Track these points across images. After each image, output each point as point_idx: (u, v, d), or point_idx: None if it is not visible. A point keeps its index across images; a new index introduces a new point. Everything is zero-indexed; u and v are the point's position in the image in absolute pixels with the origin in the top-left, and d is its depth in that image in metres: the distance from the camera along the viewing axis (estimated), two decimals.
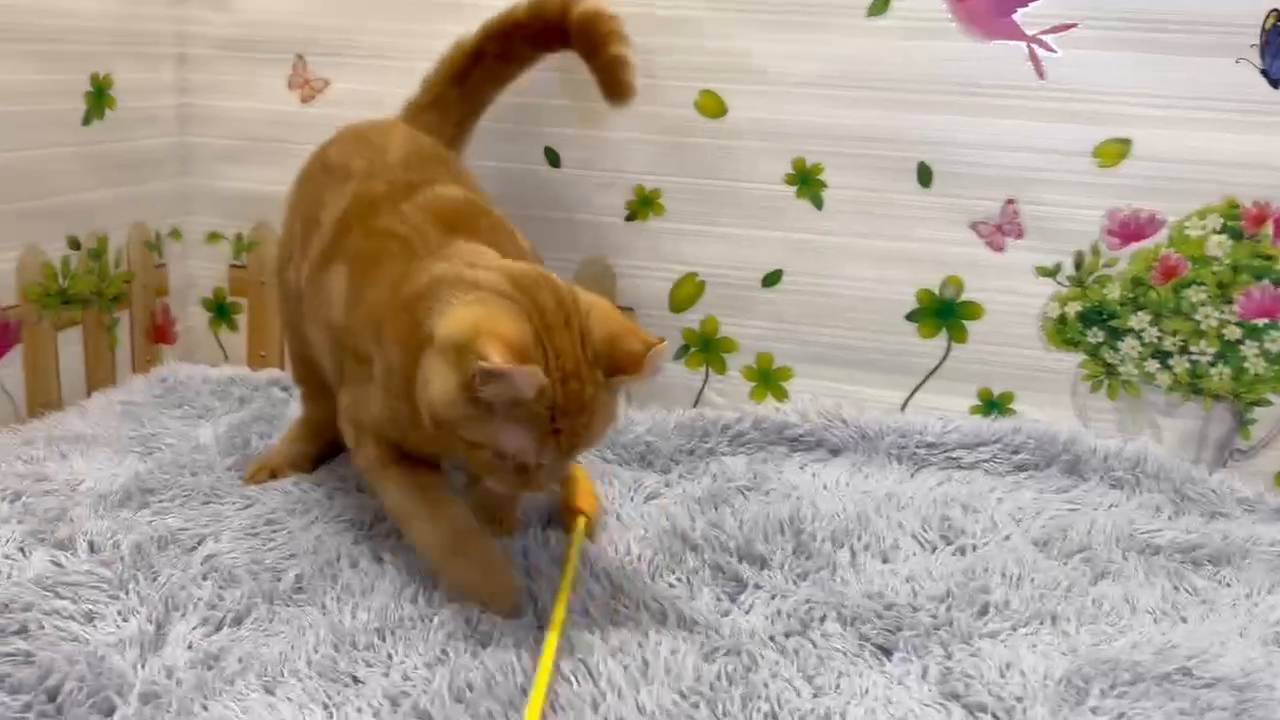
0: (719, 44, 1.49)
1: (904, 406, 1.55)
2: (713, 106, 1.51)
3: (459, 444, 0.96)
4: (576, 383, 0.92)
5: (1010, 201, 1.46)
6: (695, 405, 1.60)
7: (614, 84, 1.34)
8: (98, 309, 1.57)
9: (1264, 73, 1.35)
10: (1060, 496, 1.37)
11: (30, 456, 1.30)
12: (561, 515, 1.23)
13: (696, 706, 0.90)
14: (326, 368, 1.21)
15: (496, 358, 0.86)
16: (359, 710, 0.88)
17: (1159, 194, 1.41)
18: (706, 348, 1.60)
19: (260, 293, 1.74)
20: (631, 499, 1.31)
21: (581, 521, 1.19)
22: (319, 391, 1.30)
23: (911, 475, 1.42)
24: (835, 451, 1.48)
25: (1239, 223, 1.39)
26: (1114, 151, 1.41)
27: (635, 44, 1.46)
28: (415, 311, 0.98)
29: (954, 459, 1.45)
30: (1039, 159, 1.43)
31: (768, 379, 1.59)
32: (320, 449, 1.36)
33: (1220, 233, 1.40)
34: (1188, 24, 1.36)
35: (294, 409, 1.46)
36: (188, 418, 1.49)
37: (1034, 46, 1.41)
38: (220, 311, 1.77)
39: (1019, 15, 1.41)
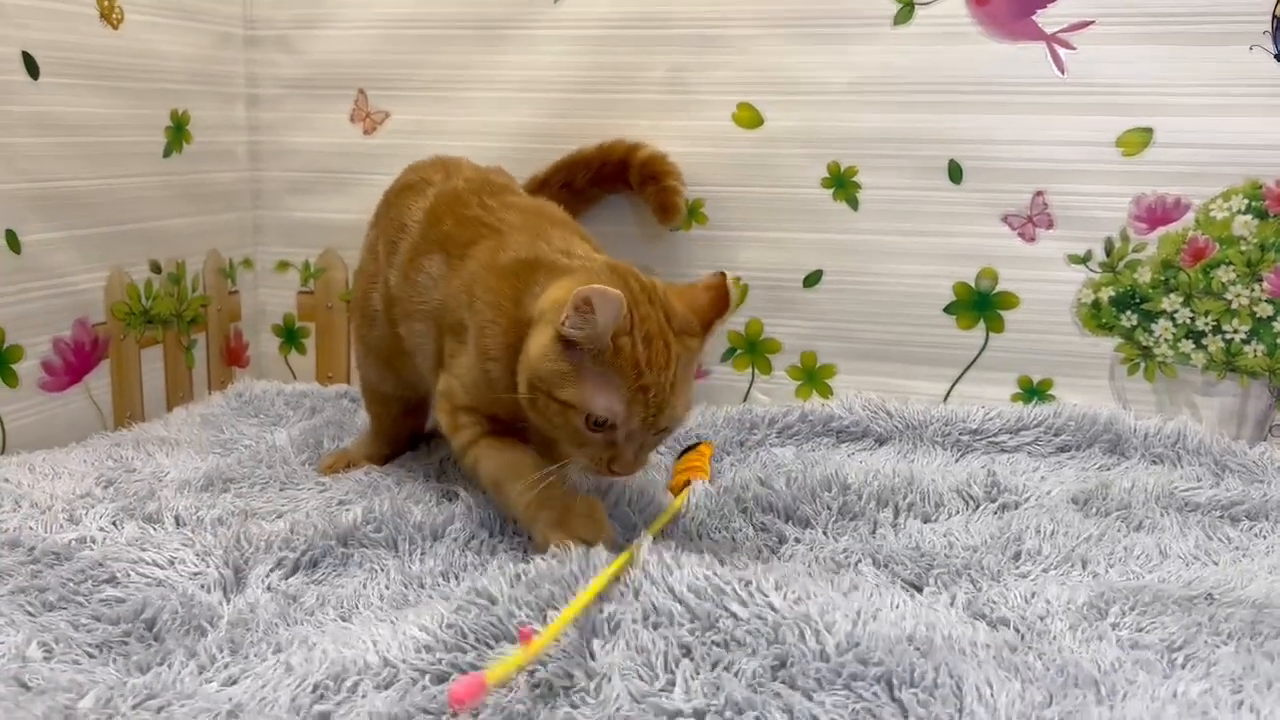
0: (754, 59, 1.58)
1: (946, 398, 1.60)
2: (750, 118, 1.60)
3: (552, 409, 1.02)
4: (661, 342, 1.01)
5: (1039, 193, 1.52)
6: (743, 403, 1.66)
7: (669, 207, 1.58)
8: (177, 330, 1.67)
9: (1277, 57, 1.41)
10: (1102, 474, 1.40)
11: (119, 456, 1.39)
12: (669, 488, 1.31)
13: (723, 592, 0.92)
14: (422, 367, 1.28)
15: (585, 290, 0.94)
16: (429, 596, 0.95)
17: (1183, 179, 1.46)
18: (752, 349, 1.66)
19: (328, 317, 1.84)
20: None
21: (686, 492, 1.26)
22: (388, 411, 1.43)
23: (956, 460, 1.46)
24: (881, 441, 1.52)
25: (1263, 202, 1.44)
26: (1137, 140, 1.47)
27: (677, 63, 1.57)
28: (513, 279, 1.09)
29: (997, 443, 1.49)
30: (1065, 151, 1.49)
31: (812, 377, 1.65)
32: (393, 450, 1.44)
33: (1245, 213, 1.44)
34: (1200, 15, 1.43)
35: (362, 417, 1.53)
36: (263, 424, 1.58)
37: (1054, 45, 1.48)
38: (289, 336, 1.86)
39: (1038, 16, 1.48)
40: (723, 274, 1.10)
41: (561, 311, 0.97)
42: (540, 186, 1.58)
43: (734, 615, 0.88)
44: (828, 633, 0.86)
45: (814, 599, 0.91)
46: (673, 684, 0.83)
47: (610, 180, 1.61)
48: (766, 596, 0.90)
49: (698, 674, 0.83)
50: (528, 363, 1.02)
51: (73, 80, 1.44)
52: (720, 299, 1.09)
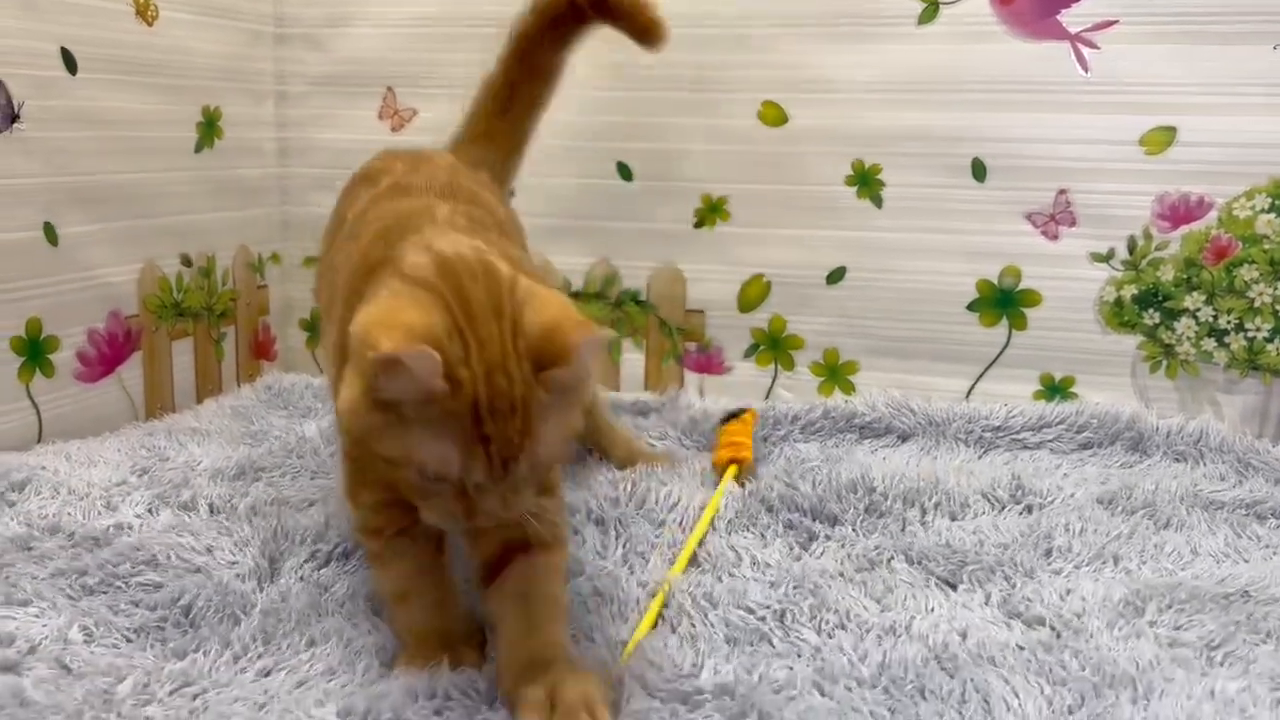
0: (779, 57, 1.59)
1: (968, 395, 1.61)
2: (774, 116, 1.61)
3: (379, 465, 0.83)
4: (503, 377, 0.77)
5: (1062, 191, 1.52)
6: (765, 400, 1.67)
7: (645, 25, 1.28)
8: (207, 323, 1.69)
9: None
10: (1125, 471, 1.41)
11: (152, 445, 1.42)
12: (714, 463, 1.32)
13: (764, 620, 0.96)
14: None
15: (388, 344, 0.73)
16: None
17: (1206, 177, 1.47)
18: (774, 345, 1.67)
19: None
20: (704, 484, 1.38)
21: (732, 469, 1.27)
22: None
23: (979, 457, 1.47)
24: (904, 437, 1.53)
25: None
26: (1160, 139, 1.47)
27: (702, 61, 1.58)
28: (365, 276, 0.89)
29: (1019, 440, 1.50)
30: (1088, 150, 1.50)
31: (835, 373, 1.66)
32: None
33: (1268, 211, 1.45)
34: (1223, 15, 1.43)
35: None
36: (292, 416, 1.60)
37: (1078, 44, 1.49)
38: (316, 331, 1.88)
39: (1062, 15, 1.49)
40: (594, 335, 0.79)
41: (364, 353, 0.75)
42: (510, 87, 1.33)
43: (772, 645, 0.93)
44: (861, 664, 0.89)
45: (847, 628, 0.96)
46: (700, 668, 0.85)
47: (573, 23, 1.30)
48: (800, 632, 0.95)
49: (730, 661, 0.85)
50: (339, 412, 0.81)
51: (109, 76, 1.47)
52: (564, 354, 0.78)
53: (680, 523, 1.20)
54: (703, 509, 1.22)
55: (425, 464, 0.78)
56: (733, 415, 1.46)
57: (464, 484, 0.79)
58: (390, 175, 1.11)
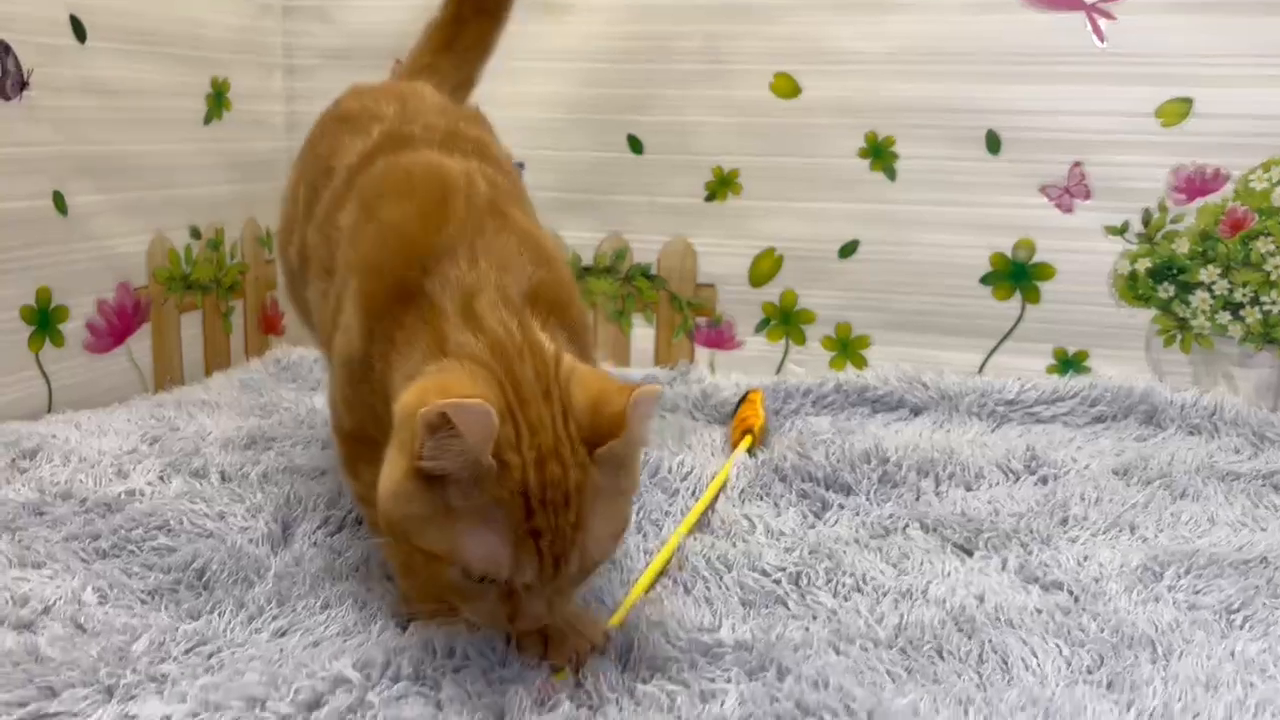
0: (792, 28, 1.58)
1: (981, 369, 1.60)
2: (787, 87, 1.60)
3: (416, 561, 0.77)
4: (557, 465, 0.73)
5: (1077, 164, 1.51)
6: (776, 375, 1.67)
7: None
8: (216, 296, 1.69)
9: None
10: (1139, 444, 1.40)
11: (162, 415, 1.41)
12: (730, 432, 1.32)
13: (779, 583, 0.96)
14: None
15: (438, 399, 0.69)
16: None
17: (1222, 150, 1.46)
18: (786, 320, 1.66)
19: None
20: (715, 454, 1.37)
21: (746, 440, 1.27)
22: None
23: (992, 430, 1.46)
24: (916, 411, 1.52)
25: None
26: (1176, 111, 1.46)
27: (713, 32, 1.57)
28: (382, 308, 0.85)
29: (1033, 414, 1.49)
30: (1103, 122, 1.49)
31: (846, 348, 1.65)
32: None
33: None
34: None
35: None
36: (301, 389, 1.59)
37: (1093, 14, 1.48)
38: None
39: None
40: (641, 392, 0.74)
41: (411, 428, 0.71)
42: (456, 21, 1.29)
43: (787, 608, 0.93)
44: (878, 626, 0.89)
45: (863, 591, 0.95)
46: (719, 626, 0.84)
47: None
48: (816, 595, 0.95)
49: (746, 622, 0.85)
50: (380, 499, 0.76)
51: (117, 45, 1.46)
52: (617, 422, 0.74)
53: (693, 492, 1.20)
54: (714, 479, 1.21)
55: (471, 563, 0.72)
56: (741, 400, 1.45)
57: (511, 584, 0.74)
58: (379, 121, 1.03)
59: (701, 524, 1.11)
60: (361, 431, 0.89)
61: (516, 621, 0.76)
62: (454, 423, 0.68)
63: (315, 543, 1.05)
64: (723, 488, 1.19)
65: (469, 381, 0.74)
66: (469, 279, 0.82)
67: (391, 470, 0.74)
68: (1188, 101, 1.46)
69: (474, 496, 0.71)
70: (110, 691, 0.76)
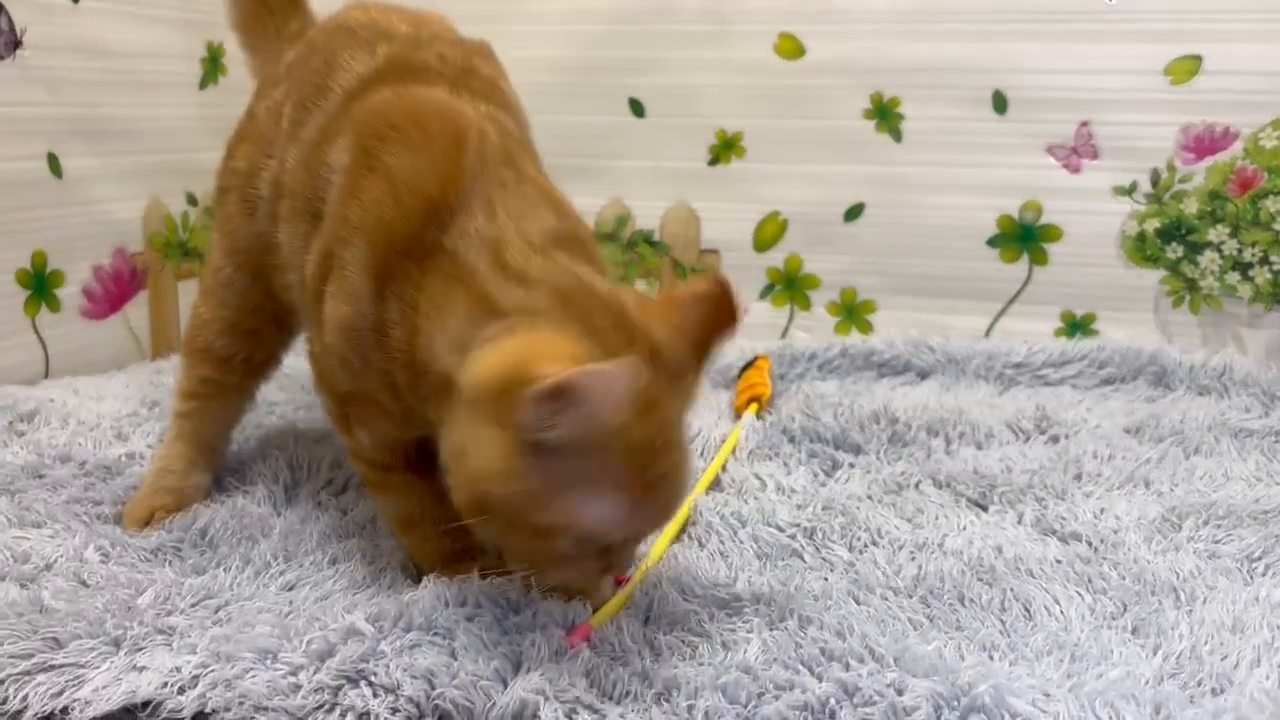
0: None
1: (988, 333, 1.58)
2: (791, 48, 1.58)
3: (517, 538, 0.72)
4: (660, 407, 0.69)
5: (1084, 124, 1.50)
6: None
7: None
8: None
9: None
10: (1149, 405, 1.39)
11: (160, 381, 1.39)
12: (735, 409, 1.30)
13: (794, 538, 0.94)
14: (297, 300, 0.95)
15: (556, 367, 0.64)
16: None
17: (1232, 108, 1.44)
18: (790, 285, 1.65)
19: None
20: (721, 418, 1.36)
21: (753, 407, 1.26)
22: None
23: (1000, 393, 1.45)
24: (923, 375, 1.51)
25: None
26: (1185, 69, 1.45)
27: None
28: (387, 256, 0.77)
29: (1041, 376, 1.47)
30: (1111, 80, 1.47)
31: (852, 313, 1.63)
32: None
33: None
34: None
35: None
36: (300, 356, 1.56)
37: None
38: None
39: None
40: (721, 281, 0.76)
41: (511, 404, 0.65)
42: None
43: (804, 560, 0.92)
44: (896, 577, 0.88)
45: (879, 545, 0.94)
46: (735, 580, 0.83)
47: None
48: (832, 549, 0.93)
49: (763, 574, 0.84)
50: (472, 482, 0.70)
51: (111, 5, 1.43)
52: (720, 314, 0.75)
53: (701, 453, 1.18)
54: (723, 441, 1.20)
55: (592, 528, 0.68)
56: (747, 365, 1.44)
57: (617, 542, 0.71)
58: (387, 40, 0.93)
59: (711, 485, 1.10)
60: (361, 393, 0.83)
61: (609, 573, 0.74)
62: (582, 391, 0.63)
63: (320, 503, 1.03)
64: (733, 452, 1.18)
65: (562, 341, 0.69)
66: (490, 232, 0.76)
67: (487, 449, 0.68)
68: (1197, 59, 1.44)
69: (597, 458, 0.67)
70: (118, 643, 0.74)
